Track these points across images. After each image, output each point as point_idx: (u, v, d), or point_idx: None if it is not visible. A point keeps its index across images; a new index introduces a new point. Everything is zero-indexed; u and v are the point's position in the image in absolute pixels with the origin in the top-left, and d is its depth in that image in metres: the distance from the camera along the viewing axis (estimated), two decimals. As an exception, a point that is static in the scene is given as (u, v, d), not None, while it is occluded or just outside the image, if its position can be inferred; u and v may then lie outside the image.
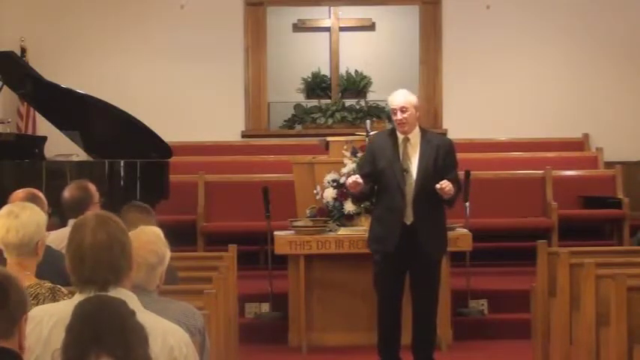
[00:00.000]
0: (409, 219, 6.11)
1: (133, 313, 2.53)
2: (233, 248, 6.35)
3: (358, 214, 7.28)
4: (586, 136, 11.36)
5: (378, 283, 6.33)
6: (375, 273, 6.35)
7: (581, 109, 11.37)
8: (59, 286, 3.69)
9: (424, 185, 6.09)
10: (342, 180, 7.27)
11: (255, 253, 9.24)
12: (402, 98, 6.21)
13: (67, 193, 5.49)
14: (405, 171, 6.11)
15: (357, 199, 6.69)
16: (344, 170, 7.31)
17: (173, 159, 8.36)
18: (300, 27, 12.52)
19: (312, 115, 11.91)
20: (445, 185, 6.00)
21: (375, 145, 6.31)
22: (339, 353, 7.15)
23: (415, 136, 6.22)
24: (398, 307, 6.29)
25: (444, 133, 11.30)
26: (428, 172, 6.11)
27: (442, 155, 6.19)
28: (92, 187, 5.56)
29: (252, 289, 7.88)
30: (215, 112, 11.38)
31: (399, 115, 6.16)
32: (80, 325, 2.44)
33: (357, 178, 6.14)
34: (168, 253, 3.56)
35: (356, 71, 12.39)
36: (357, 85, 12.34)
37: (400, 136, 6.21)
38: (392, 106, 6.21)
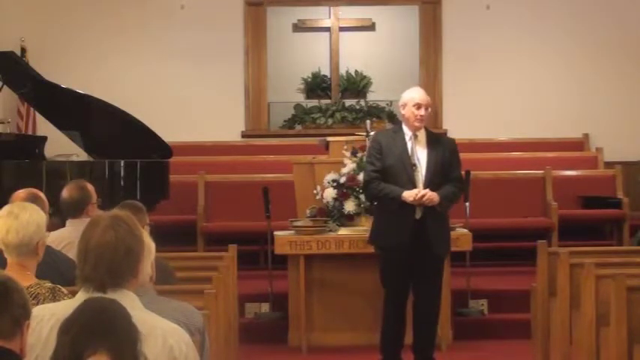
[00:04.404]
0: (418, 214, 6.12)
1: (124, 311, 2.50)
2: (233, 248, 6.35)
3: (358, 214, 7.28)
4: (586, 136, 11.36)
5: (385, 279, 6.30)
6: (382, 269, 6.32)
7: (581, 109, 11.38)
8: (59, 286, 3.69)
9: (433, 181, 6.12)
10: (342, 180, 7.28)
11: (255, 253, 9.24)
12: (427, 96, 6.27)
13: (65, 193, 5.49)
14: (414, 166, 6.12)
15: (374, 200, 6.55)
16: (344, 170, 7.31)
17: (173, 159, 8.36)
18: (300, 27, 12.53)
19: (312, 115, 11.91)
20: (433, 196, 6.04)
21: (381, 141, 6.26)
22: (340, 353, 7.14)
23: (422, 134, 6.25)
24: (404, 304, 6.29)
25: (445, 133, 11.32)
26: (436, 168, 6.14)
27: (448, 154, 6.25)
28: (90, 187, 5.57)
29: (252, 289, 7.87)
30: (215, 112, 11.38)
31: (423, 111, 6.17)
32: (72, 325, 2.43)
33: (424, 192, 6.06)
34: (152, 243, 3.53)
35: (356, 71, 12.39)
36: (357, 85, 12.34)
37: (408, 134, 6.21)
38: (417, 101, 6.17)
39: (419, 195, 6.02)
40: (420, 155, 6.18)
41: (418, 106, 6.18)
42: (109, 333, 2.38)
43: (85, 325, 2.40)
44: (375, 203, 6.54)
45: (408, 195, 6.03)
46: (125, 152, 7.90)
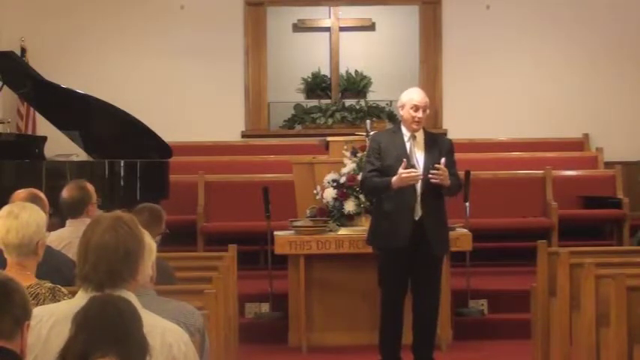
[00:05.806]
0: (417, 214, 6.13)
1: (138, 316, 2.51)
2: (233, 248, 6.35)
3: (358, 214, 7.28)
4: (586, 136, 11.36)
5: (383, 280, 6.30)
6: (380, 268, 6.33)
7: (581, 109, 11.38)
8: (59, 286, 3.70)
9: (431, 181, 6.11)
10: (342, 180, 7.28)
11: (255, 253, 9.24)
12: (425, 98, 6.24)
13: (65, 193, 5.50)
14: (413, 167, 6.12)
15: (371, 195, 6.63)
16: (344, 170, 7.31)
17: (173, 159, 8.36)
18: (300, 27, 12.53)
19: (312, 115, 11.91)
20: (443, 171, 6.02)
21: (381, 141, 6.28)
22: (339, 353, 7.15)
23: (420, 135, 6.26)
24: (402, 305, 6.29)
25: (445, 133, 11.32)
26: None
27: (445, 153, 6.23)
28: (90, 187, 5.57)
29: (252, 289, 7.88)
30: (215, 112, 11.38)
31: (421, 114, 6.17)
32: (89, 323, 2.43)
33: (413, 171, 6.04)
34: (154, 244, 3.53)
35: (356, 71, 12.39)
36: (357, 85, 12.34)
37: (407, 134, 6.22)
38: (414, 103, 6.17)
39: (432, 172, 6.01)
40: (419, 156, 6.19)
41: (416, 108, 6.18)
42: (121, 340, 2.39)
43: (102, 327, 2.40)
44: (374, 203, 6.55)
45: (396, 179, 5.99)
46: (125, 152, 7.90)
